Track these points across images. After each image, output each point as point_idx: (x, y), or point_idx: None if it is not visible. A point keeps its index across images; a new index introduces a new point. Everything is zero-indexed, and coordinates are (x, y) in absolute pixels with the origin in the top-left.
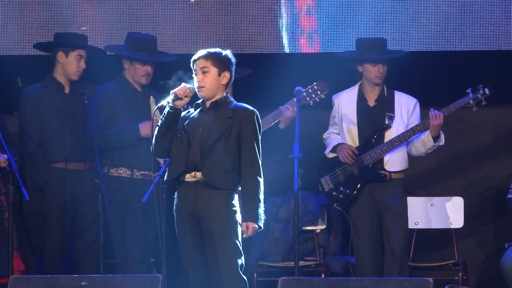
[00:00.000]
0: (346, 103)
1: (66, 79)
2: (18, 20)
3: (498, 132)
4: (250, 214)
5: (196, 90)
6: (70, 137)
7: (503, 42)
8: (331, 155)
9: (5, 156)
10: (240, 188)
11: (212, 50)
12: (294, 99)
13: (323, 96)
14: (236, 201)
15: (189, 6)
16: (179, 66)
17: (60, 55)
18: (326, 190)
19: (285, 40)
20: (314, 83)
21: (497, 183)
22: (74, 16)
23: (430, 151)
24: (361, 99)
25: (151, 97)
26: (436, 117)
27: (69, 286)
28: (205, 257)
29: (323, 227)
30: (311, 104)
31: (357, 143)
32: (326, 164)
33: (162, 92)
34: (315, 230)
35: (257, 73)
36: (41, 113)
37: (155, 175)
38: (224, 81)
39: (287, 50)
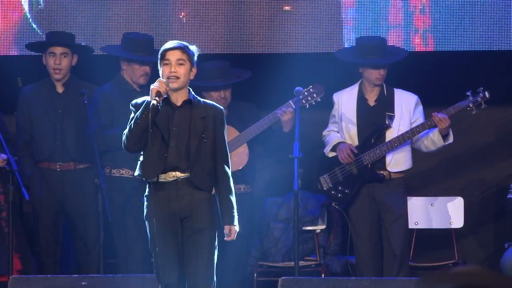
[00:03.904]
0: (346, 102)
1: (55, 78)
2: (19, 20)
3: (498, 132)
4: (231, 217)
5: (167, 80)
6: (56, 137)
7: (503, 42)
8: (331, 154)
9: (4, 156)
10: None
11: (185, 43)
12: (290, 101)
13: (319, 99)
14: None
15: (189, 6)
16: None
17: (43, 56)
18: (325, 188)
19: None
20: (310, 86)
21: (497, 183)
22: (75, 16)
23: (440, 148)
24: (361, 99)
25: None
26: (443, 121)
27: (69, 286)
28: (180, 257)
29: (323, 227)
30: (307, 107)
31: (356, 143)
32: (325, 163)
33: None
34: (315, 230)
35: (257, 74)
36: (31, 112)
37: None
38: (192, 76)
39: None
